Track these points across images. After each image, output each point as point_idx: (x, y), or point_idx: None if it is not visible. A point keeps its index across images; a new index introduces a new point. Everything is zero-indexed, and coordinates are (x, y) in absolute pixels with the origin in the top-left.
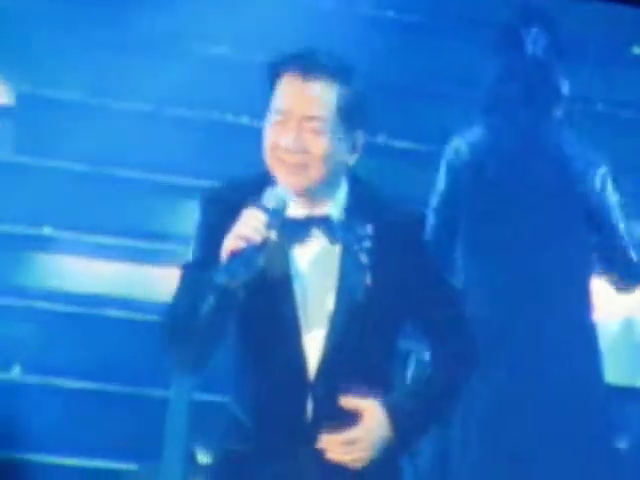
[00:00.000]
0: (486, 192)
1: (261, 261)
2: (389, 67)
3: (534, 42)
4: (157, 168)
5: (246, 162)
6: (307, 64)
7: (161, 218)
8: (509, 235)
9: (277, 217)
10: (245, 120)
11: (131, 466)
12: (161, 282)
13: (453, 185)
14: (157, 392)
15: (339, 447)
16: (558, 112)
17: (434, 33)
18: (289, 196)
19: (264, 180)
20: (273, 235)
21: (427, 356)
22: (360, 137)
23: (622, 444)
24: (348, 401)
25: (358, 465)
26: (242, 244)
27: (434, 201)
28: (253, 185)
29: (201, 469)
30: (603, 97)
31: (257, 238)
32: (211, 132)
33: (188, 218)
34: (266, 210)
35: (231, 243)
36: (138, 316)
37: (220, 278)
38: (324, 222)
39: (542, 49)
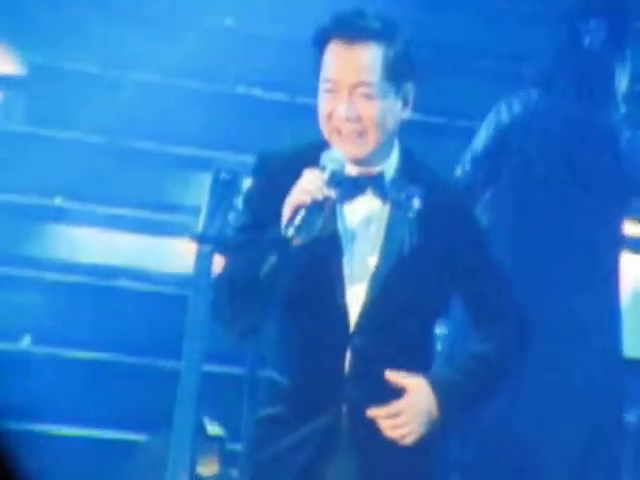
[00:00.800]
0: (529, 155)
1: (321, 222)
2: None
3: (594, 34)
4: (169, 140)
5: (259, 133)
6: (352, 29)
7: (173, 189)
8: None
9: (335, 178)
10: (257, 92)
11: (141, 437)
12: (173, 253)
13: (500, 138)
14: (168, 363)
15: (384, 420)
16: (613, 103)
17: (466, 7)
18: (346, 159)
19: (319, 146)
20: (333, 194)
21: (445, 331)
22: (410, 90)
23: (631, 418)
24: (394, 376)
25: (408, 442)
26: (306, 199)
27: (476, 149)
28: (308, 151)
29: (210, 440)
30: None
31: (319, 196)
32: (224, 104)
33: (200, 190)
34: (325, 170)
35: (295, 198)
36: (149, 287)
37: (284, 232)
38: (376, 180)
39: (600, 42)
